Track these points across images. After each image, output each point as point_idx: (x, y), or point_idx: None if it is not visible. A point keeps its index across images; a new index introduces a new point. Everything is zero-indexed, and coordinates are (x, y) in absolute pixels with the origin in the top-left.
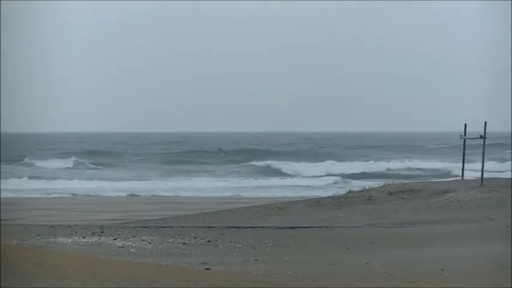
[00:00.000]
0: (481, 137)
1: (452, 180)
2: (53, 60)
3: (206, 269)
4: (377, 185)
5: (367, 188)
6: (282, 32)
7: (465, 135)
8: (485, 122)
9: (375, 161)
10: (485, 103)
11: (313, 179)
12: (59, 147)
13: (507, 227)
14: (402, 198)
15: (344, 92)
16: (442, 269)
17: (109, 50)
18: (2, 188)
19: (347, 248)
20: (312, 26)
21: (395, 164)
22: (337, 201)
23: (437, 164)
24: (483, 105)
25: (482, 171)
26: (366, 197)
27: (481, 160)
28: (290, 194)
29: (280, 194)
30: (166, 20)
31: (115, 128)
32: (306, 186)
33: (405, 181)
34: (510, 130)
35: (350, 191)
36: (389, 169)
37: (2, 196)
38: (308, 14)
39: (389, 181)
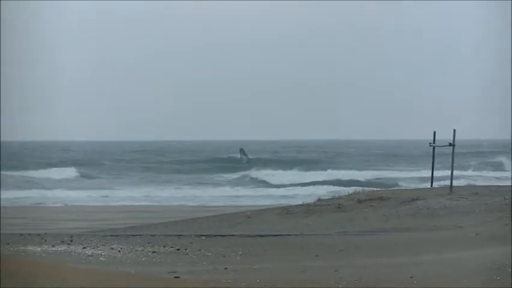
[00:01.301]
0: (450, 144)
1: (422, 188)
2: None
3: (175, 277)
4: (346, 193)
5: (336, 196)
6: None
7: (434, 142)
8: (454, 130)
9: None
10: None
11: (296, 188)
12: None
13: (476, 234)
14: (372, 206)
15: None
16: (411, 277)
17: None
18: None
19: (317, 256)
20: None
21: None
22: (306, 209)
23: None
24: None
25: (451, 179)
26: (336, 205)
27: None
28: (269, 202)
29: (261, 203)
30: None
31: (89, 137)
32: (282, 195)
33: (375, 189)
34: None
35: (319, 199)
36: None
37: None
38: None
39: (359, 189)
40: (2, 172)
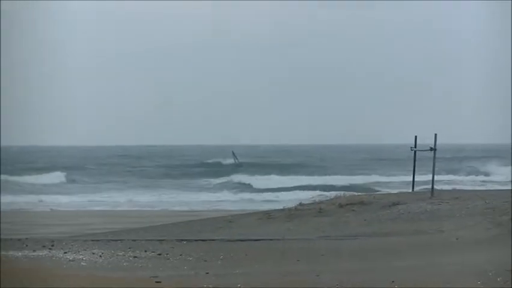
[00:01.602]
0: (431, 149)
1: (403, 192)
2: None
3: (157, 282)
4: (328, 198)
5: (317, 200)
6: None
7: (415, 147)
8: (435, 134)
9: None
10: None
11: (280, 193)
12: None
13: (457, 239)
14: (353, 210)
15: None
16: (392, 281)
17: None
18: None
19: (298, 260)
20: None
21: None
22: (288, 214)
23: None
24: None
25: (433, 183)
26: (317, 209)
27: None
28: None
29: (244, 207)
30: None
31: (71, 142)
32: (266, 200)
33: (356, 193)
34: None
35: (300, 204)
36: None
37: None
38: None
39: (340, 193)
40: None
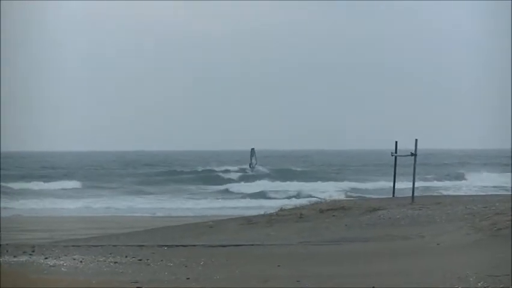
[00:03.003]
0: (412, 154)
1: (384, 198)
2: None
3: (137, 287)
4: (308, 203)
5: (298, 205)
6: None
7: (396, 152)
8: (416, 140)
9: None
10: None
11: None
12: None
13: (438, 244)
14: (334, 216)
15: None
16: (373, 286)
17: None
18: None
19: (279, 265)
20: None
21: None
22: (268, 219)
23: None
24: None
25: (413, 188)
26: (298, 215)
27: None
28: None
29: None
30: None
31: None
32: (248, 206)
33: (337, 199)
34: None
35: (281, 209)
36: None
37: None
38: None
39: (321, 199)
40: None
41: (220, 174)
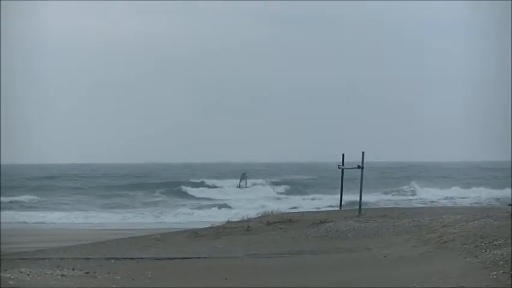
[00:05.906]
0: (359, 167)
1: (331, 211)
2: None
3: None
4: (255, 216)
5: (245, 218)
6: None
7: (343, 165)
8: (363, 152)
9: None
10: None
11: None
12: None
13: (384, 256)
14: (281, 228)
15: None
16: None
17: None
18: None
19: (226, 278)
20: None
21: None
22: (215, 232)
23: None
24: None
25: (360, 201)
26: (245, 227)
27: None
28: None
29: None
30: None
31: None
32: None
33: (284, 211)
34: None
35: (228, 222)
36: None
37: None
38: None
39: (268, 211)
40: None
41: (188, 188)
